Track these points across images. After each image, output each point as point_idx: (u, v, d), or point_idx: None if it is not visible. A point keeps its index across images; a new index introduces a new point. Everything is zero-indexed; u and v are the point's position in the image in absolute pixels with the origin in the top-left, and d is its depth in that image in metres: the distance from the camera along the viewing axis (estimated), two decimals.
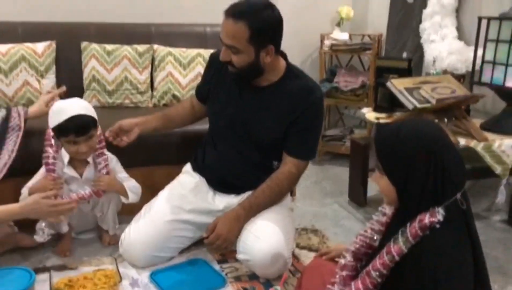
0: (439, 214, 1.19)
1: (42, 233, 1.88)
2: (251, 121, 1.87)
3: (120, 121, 2.02)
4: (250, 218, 1.82)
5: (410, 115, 2.15)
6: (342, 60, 3.58)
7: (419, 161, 1.19)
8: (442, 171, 1.20)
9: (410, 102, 2.11)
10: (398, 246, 1.24)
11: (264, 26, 1.70)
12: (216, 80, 1.95)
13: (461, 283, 1.18)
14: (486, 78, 2.22)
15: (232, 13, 1.70)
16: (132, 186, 2.04)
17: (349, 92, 3.27)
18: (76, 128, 1.84)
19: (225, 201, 1.94)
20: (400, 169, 1.22)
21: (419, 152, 1.19)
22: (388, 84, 2.25)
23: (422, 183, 1.20)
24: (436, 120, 2.09)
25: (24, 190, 1.90)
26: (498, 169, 1.98)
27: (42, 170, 1.92)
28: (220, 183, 1.97)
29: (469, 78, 2.37)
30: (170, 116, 2.11)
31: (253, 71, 1.78)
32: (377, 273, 1.29)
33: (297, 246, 2.10)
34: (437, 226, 1.19)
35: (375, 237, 1.43)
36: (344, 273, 1.47)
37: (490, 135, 2.05)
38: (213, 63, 1.99)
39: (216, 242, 1.79)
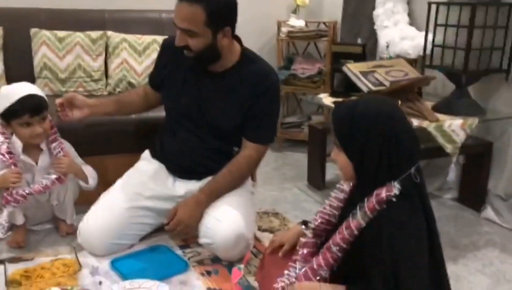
0: (395, 188, 1.24)
1: (2, 228, 1.80)
2: (208, 108, 1.86)
3: (74, 93, 1.97)
4: (211, 203, 1.82)
5: None
6: (299, 47, 3.61)
7: (374, 138, 1.23)
8: (397, 146, 1.24)
9: (365, 85, 2.16)
10: (356, 221, 1.27)
11: (220, 7, 1.68)
12: (170, 67, 1.92)
13: (417, 252, 1.22)
14: (436, 61, 2.30)
15: None
16: (90, 171, 1.99)
17: (307, 79, 3.32)
18: (30, 107, 1.80)
19: (185, 187, 1.93)
20: (356, 146, 1.25)
21: (374, 128, 1.23)
22: (344, 68, 2.30)
23: (378, 158, 1.23)
24: None
25: None
26: (448, 148, 2.06)
27: None
28: (180, 169, 1.96)
29: (421, 62, 2.45)
30: (123, 102, 2.07)
31: (210, 55, 1.77)
32: (337, 248, 1.32)
33: (259, 229, 2.12)
34: (393, 199, 1.23)
35: (334, 213, 1.47)
36: (305, 250, 1.50)
37: (441, 116, 2.12)
38: (165, 50, 1.96)
39: (177, 228, 1.78)
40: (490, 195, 2.38)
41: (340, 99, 2.50)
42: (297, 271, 1.44)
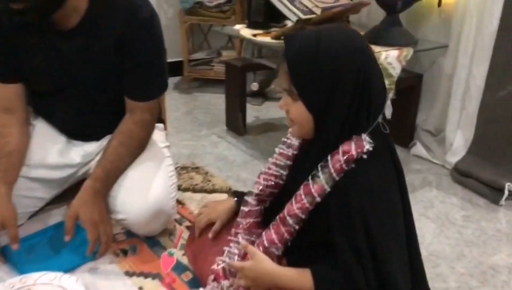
0: (366, 142, 0.99)
1: None
2: (75, 74, 1.42)
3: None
4: (110, 188, 1.42)
5: (294, 28, 1.90)
6: None
7: (346, 79, 0.95)
8: (370, 88, 0.98)
9: (293, 13, 1.85)
10: (319, 185, 1.01)
11: None
12: (12, 48, 1.40)
13: (392, 218, 1.01)
14: None
15: None
16: None
17: (215, 8, 2.92)
18: None
19: (82, 151, 1.54)
20: (321, 91, 0.96)
21: (346, 66, 0.95)
22: None
23: (348, 105, 0.97)
24: None
25: None
26: (385, 83, 1.86)
27: None
28: (73, 135, 1.56)
29: None
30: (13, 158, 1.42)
31: (45, 2, 1.26)
32: (294, 220, 1.07)
33: (179, 188, 1.79)
34: (364, 157, 0.98)
35: (281, 174, 1.20)
36: (248, 220, 1.23)
37: (374, 48, 1.90)
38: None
39: (97, 233, 1.34)
40: (419, 131, 2.27)
41: (260, 31, 2.19)
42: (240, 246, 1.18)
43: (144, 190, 1.40)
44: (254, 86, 2.77)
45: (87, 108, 1.49)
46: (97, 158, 1.53)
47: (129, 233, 1.52)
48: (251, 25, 2.29)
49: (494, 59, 1.87)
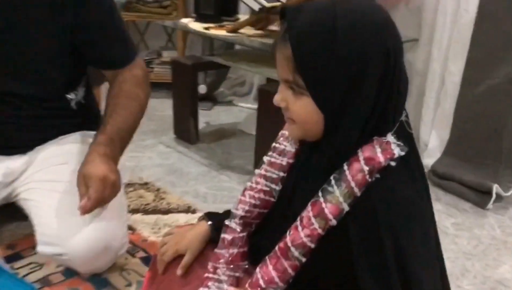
0: (395, 146, 0.76)
1: None
2: (9, 53, 1.12)
3: None
4: (119, 155, 1.13)
5: (257, 18, 1.67)
6: None
7: (373, 65, 0.71)
8: (399, 77, 0.75)
9: (255, 0, 1.61)
10: (334, 204, 0.76)
11: None
12: None
13: (428, 247, 0.78)
14: None
15: None
16: None
17: (154, 3, 2.62)
18: None
19: (4, 168, 1.19)
20: (340, 82, 0.71)
21: (373, 49, 0.71)
22: None
23: (374, 99, 0.73)
24: None
25: None
26: None
27: None
28: None
29: None
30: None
31: None
32: (301, 251, 0.81)
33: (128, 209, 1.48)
34: (393, 164, 0.75)
35: (272, 189, 0.94)
36: (231, 251, 0.96)
37: None
38: None
39: (105, 192, 1.03)
40: None
41: (212, 25, 1.92)
42: (224, 286, 0.91)
43: (88, 216, 1.09)
44: (202, 89, 2.49)
45: (13, 108, 1.16)
46: (23, 177, 1.19)
47: (69, 272, 1.20)
48: (200, 19, 2.02)
49: (472, 52, 1.73)
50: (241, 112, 2.58)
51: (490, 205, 1.65)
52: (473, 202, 1.69)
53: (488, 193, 1.66)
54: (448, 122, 1.84)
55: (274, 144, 0.95)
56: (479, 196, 1.68)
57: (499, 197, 1.67)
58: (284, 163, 0.92)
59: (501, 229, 1.56)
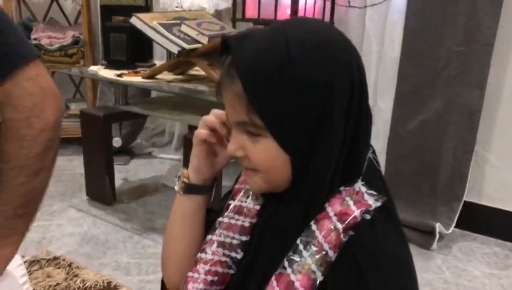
0: (368, 195, 0.63)
1: None
2: None
3: None
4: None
5: (177, 62, 1.51)
6: (37, 12, 2.63)
7: (339, 92, 0.59)
8: (366, 104, 0.63)
9: (174, 43, 1.45)
10: (305, 274, 0.61)
11: None
12: None
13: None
14: (251, 13, 1.77)
15: None
16: None
17: (58, 52, 2.39)
18: None
19: None
20: (302, 112, 0.58)
21: (337, 73, 0.58)
22: (133, 20, 1.54)
23: (344, 131, 0.60)
24: (209, 65, 1.52)
25: None
26: None
27: None
28: None
29: (231, 14, 1.88)
30: None
31: None
32: None
33: None
34: (368, 217, 0.62)
35: (232, 258, 0.76)
36: None
37: None
38: None
39: None
40: None
41: (125, 71, 1.75)
42: None
43: None
44: (117, 142, 2.27)
45: None
46: None
47: None
48: (111, 66, 1.84)
49: (400, 88, 1.70)
50: (163, 164, 2.37)
51: (434, 246, 1.59)
52: (417, 244, 1.61)
53: (431, 232, 1.59)
54: (381, 161, 1.78)
55: (230, 201, 0.78)
56: (423, 237, 1.61)
57: (441, 236, 1.62)
58: (246, 224, 0.75)
59: (450, 270, 1.48)
